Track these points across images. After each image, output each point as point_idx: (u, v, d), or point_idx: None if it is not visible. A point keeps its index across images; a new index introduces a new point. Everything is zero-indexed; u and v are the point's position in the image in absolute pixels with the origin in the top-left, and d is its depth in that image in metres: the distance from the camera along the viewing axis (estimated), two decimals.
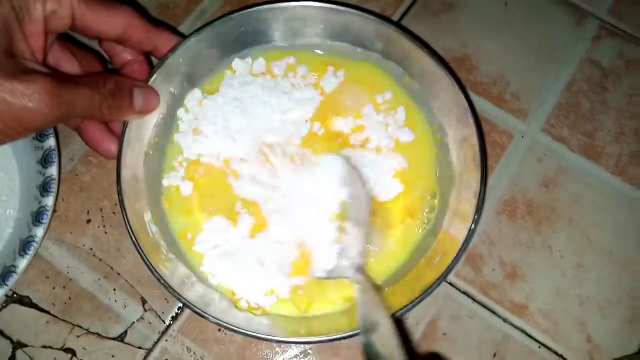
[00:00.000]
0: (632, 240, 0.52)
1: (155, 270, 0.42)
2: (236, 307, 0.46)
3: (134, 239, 0.43)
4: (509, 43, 0.59)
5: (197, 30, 0.47)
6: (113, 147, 0.45)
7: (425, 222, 0.49)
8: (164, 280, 0.42)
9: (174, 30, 0.49)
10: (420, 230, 0.49)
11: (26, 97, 0.35)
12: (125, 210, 0.43)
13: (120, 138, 0.44)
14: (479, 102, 0.56)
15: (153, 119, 0.47)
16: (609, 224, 0.53)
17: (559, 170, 0.54)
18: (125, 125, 0.44)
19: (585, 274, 0.51)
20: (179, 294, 0.42)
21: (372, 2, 0.60)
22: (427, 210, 0.49)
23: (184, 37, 0.47)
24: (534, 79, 0.58)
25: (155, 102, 0.46)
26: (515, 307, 0.50)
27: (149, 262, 0.42)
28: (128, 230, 0.43)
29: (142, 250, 0.42)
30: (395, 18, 0.59)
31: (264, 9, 0.48)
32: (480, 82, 0.57)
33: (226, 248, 0.47)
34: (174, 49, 0.46)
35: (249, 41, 0.51)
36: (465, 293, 0.50)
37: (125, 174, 0.44)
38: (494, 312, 0.50)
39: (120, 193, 0.43)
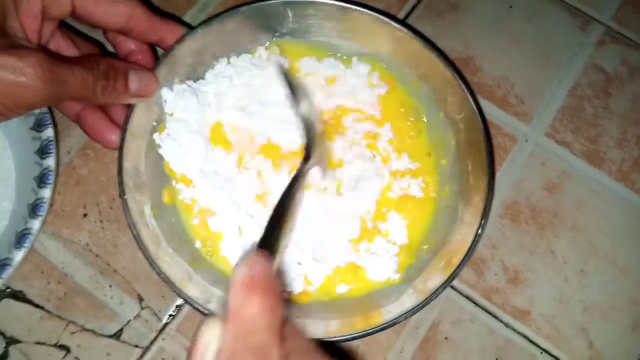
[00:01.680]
0: (635, 246, 0.52)
1: (155, 264, 0.41)
2: None
3: (133, 232, 0.41)
4: (513, 45, 0.59)
5: (205, 22, 0.46)
6: (114, 137, 0.43)
7: None
8: (163, 274, 0.41)
9: (179, 21, 0.48)
10: None
11: (18, 71, 0.34)
12: (126, 201, 0.42)
13: (122, 128, 0.43)
14: (483, 104, 0.56)
15: (156, 109, 0.46)
16: (612, 230, 0.53)
17: (562, 175, 0.54)
18: (127, 115, 0.43)
19: (588, 279, 0.51)
20: (179, 289, 0.41)
21: (376, 0, 0.59)
22: None
23: (190, 27, 0.46)
24: (538, 82, 0.57)
25: (153, 85, 0.43)
26: (517, 312, 0.50)
27: (149, 255, 0.41)
28: (128, 223, 0.42)
29: (142, 243, 0.41)
30: (400, 17, 0.59)
31: (273, 3, 0.48)
32: (484, 84, 0.57)
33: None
34: (180, 40, 0.45)
35: (255, 35, 0.50)
36: (467, 297, 0.50)
37: (127, 165, 0.43)
38: (495, 317, 0.49)
39: (120, 184, 0.42)
